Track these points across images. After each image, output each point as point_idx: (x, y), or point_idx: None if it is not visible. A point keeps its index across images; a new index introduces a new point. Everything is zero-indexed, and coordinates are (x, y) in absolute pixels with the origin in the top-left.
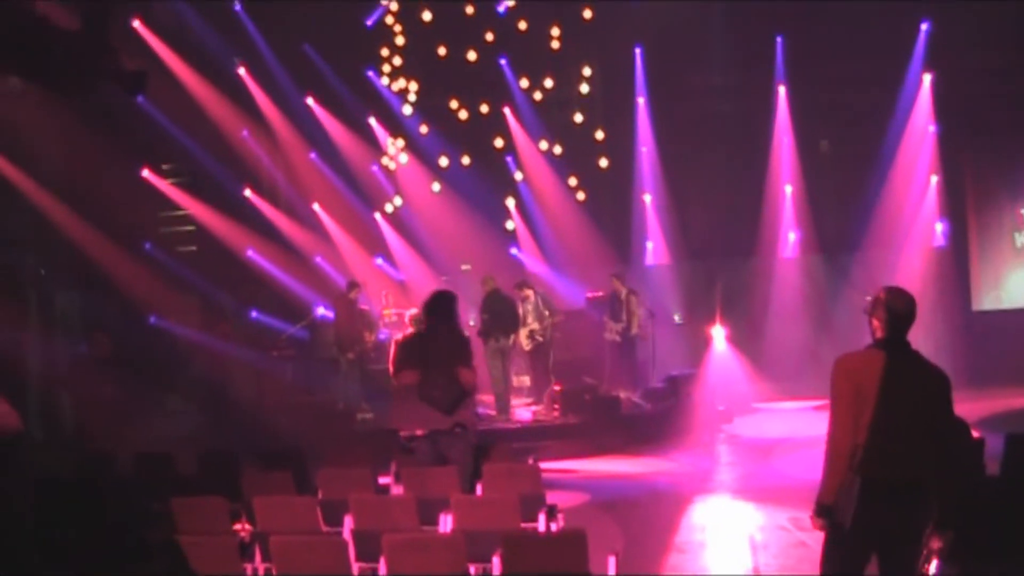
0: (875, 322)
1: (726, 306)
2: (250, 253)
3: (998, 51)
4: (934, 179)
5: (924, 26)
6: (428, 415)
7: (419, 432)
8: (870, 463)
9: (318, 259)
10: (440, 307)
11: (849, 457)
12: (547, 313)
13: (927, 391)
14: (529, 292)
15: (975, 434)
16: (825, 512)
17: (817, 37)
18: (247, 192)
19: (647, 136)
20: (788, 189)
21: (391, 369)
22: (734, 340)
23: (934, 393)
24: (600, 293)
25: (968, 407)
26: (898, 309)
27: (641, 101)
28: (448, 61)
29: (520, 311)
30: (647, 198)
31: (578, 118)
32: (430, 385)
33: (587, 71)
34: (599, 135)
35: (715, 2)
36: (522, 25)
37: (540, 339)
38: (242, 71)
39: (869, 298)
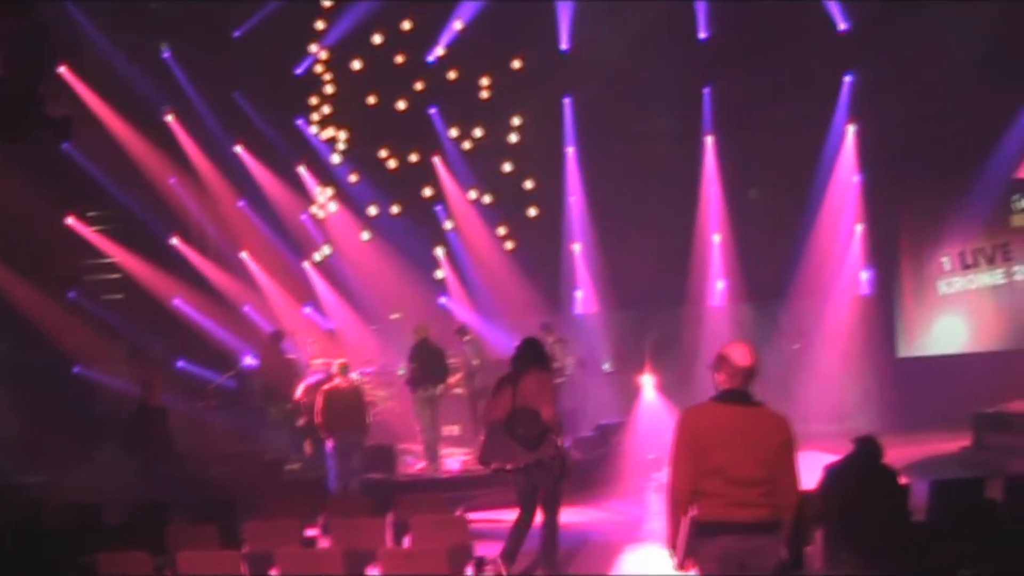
0: (719, 376)
1: (656, 355)
2: (177, 302)
3: (921, 102)
4: (859, 228)
5: (847, 78)
6: (514, 450)
7: (509, 467)
8: (710, 507)
9: (247, 308)
10: (530, 352)
11: (688, 504)
12: (476, 362)
13: (768, 439)
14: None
15: (902, 480)
16: (677, 558)
17: (745, 87)
18: (175, 240)
19: (576, 185)
20: (716, 238)
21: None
22: (664, 389)
23: (775, 440)
24: None
25: (895, 453)
26: (739, 364)
27: (570, 151)
28: (378, 110)
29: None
30: (576, 247)
31: (508, 167)
32: (515, 422)
33: (517, 121)
34: (529, 184)
35: (644, 52)
36: (452, 75)
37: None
38: (171, 118)
39: (796, 346)
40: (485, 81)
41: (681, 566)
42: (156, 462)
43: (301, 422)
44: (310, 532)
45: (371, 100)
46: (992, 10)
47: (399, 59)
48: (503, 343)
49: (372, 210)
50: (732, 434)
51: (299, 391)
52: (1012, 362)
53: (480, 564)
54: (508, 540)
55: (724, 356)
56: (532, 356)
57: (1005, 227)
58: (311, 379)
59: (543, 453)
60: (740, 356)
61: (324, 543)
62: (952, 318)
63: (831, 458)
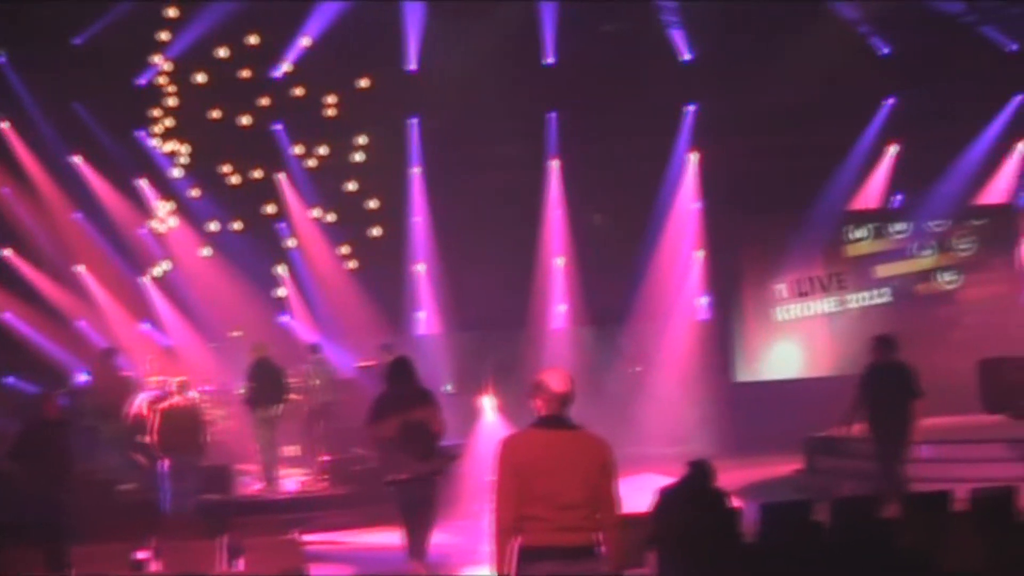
0: (536, 402)
1: (497, 377)
2: (8, 316)
3: (761, 135)
4: (699, 254)
5: (690, 107)
6: (408, 463)
7: (404, 477)
8: (535, 533)
9: (81, 323)
10: (408, 370)
11: (511, 530)
12: (315, 382)
13: (587, 462)
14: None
15: (734, 503)
16: None
17: (590, 113)
18: (7, 252)
19: (421, 206)
20: (559, 261)
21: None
22: (504, 411)
23: (595, 463)
24: (371, 362)
25: (730, 476)
26: (556, 390)
27: (416, 171)
28: (221, 125)
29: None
30: (419, 268)
31: (352, 186)
32: (408, 437)
33: (362, 140)
34: (373, 204)
35: (491, 76)
36: (298, 91)
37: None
38: (5, 126)
39: (636, 369)
40: (331, 99)
41: None
42: (53, 481)
43: (146, 438)
44: (141, 555)
45: (215, 114)
46: (829, 53)
47: (244, 74)
48: (344, 363)
49: (213, 226)
50: (551, 459)
51: (136, 406)
52: (844, 387)
53: None
54: (409, 545)
55: (541, 383)
56: (410, 373)
57: (839, 257)
58: (147, 395)
59: (437, 464)
60: (556, 382)
61: (155, 567)
62: (788, 344)
63: (669, 480)
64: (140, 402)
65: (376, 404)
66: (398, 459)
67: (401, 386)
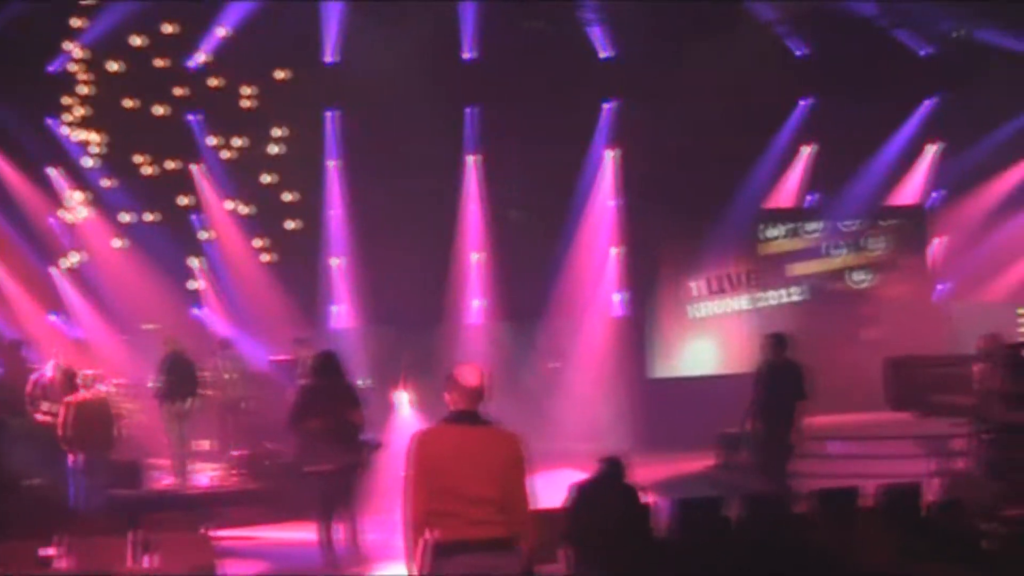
0: (449, 397)
1: (412, 371)
2: None
3: (678, 133)
4: (615, 251)
5: (608, 104)
6: (331, 454)
7: (325, 468)
8: (448, 528)
9: None
10: (334, 364)
11: (423, 524)
12: (228, 376)
13: (498, 457)
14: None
15: (649, 499)
16: None
17: (510, 109)
18: None
19: (338, 200)
20: (476, 257)
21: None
22: (419, 406)
23: (506, 458)
24: (285, 357)
25: (643, 472)
26: (467, 384)
27: (334, 164)
28: (136, 114)
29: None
30: (335, 262)
31: (268, 179)
32: (333, 429)
33: (280, 132)
34: (289, 197)
35: (410, 70)
36: (214, 82)
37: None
38: None
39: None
40: (248, 90)
41: None
42: None
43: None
44: (48, 552)
45: (129, 104)
46: (747, 52)
47: (160, 63)
48: (258, 357)
49: (126, 217)
50: (463, 454)
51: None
52: None
53: None
54: (322, 541)
55: (453, 377)
56: (336, 367)
57: (753, 255)
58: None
59: (358, 456)
60: (468, 377)
61: (61, 563)
62: (703, 341)
63: (584, 476)
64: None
65: (301, 396)
66: (320, 450)
67: (327, 379)
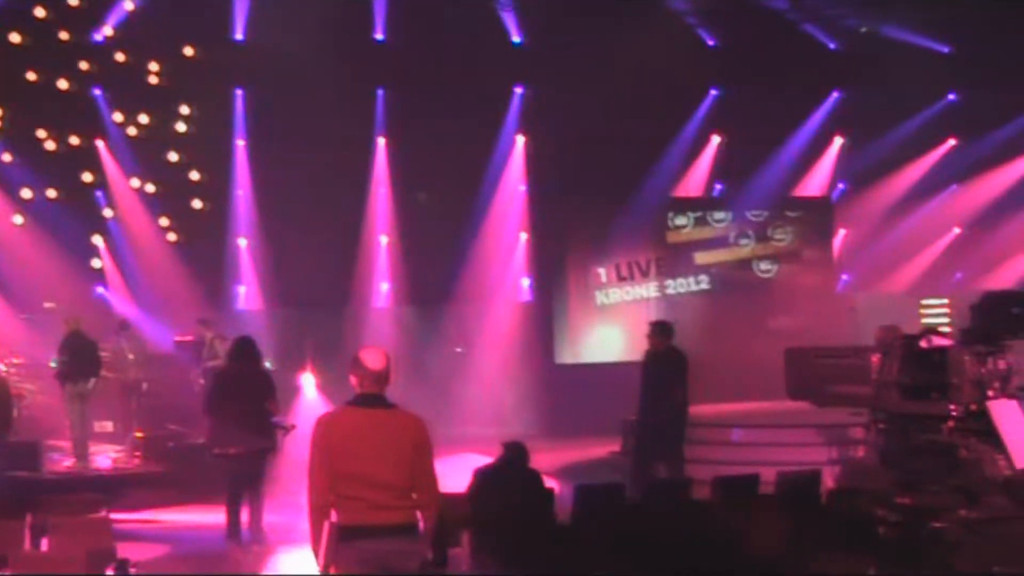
0: (353, 379)
1: (318, 354)
2: None
3: (588, 120)
4: (523, 236)
5: (519, 90)
6: (243, 437)
7: (232, 451)
8: (351, 511)
9: None
10: (252, 349)
11: (327, 507)
12: (131, 356)
13: (402, 441)
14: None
15: (552, 484)
16: (319, 562)
17: (420, 91)
18: None
19: (245, 180)
20: (384, 240)
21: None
22: (325, 389)
23: (410, 442)
24: (189, 337)
25: (547, 457)
26: (371, 367)
27: (241, 144)
28: (38, 88)
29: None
30: (242, 242)
31: (174, 157)
32: (248, 413)
33: (186, 110)
34: (195, 176)
35: (321, 50)
36: (120, 57)
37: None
38: None
39: (459, 350)
40: (154, 66)
41: (324, 570)
42: None
43: None
44: None
45: (31, 77)
46: (658, 41)
47: (63, 36)
48: (162, 337)
49: (26, 193)
50: (366, 438)
51: None
52: None
53: (122, 567)
54: (229, 524)
55: (357, 360)
56: (253, 353)
57: (661, 242)
58: None
59: (270, 440)
60: (372, 360)
61: None
62: (609, 328)
63: (487, 460)
64: None
65: (217, 381)
66: (232, 434)
67: (244, 365)
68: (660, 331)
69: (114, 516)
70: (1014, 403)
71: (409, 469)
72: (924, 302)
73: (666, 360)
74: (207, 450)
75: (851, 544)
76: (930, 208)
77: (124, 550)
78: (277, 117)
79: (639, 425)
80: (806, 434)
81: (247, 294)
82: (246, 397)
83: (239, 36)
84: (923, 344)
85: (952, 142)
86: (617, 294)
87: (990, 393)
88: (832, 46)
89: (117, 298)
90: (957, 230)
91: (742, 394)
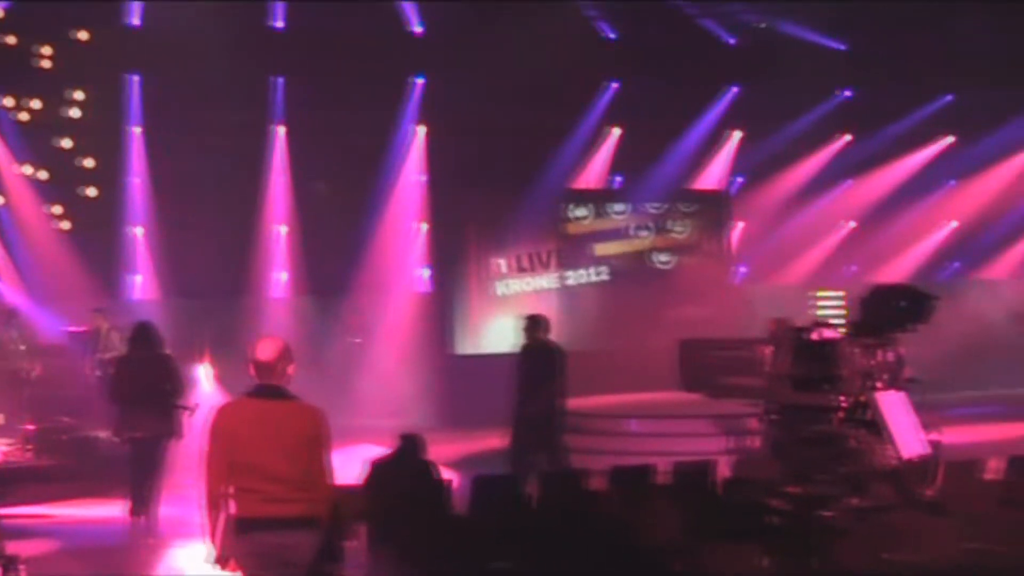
0: (251, 370)
1: (214, 345)
2: None
3: (488, 110)
4: (423, 227)
5: (418, 80)
6: (146, 422)
7: (139, 436)
8: (246, 503)
9: None
10: (151, 336)
11: (222, 499)
12: (22, 347)
13: (298, 433)
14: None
15: (448, 475)
16: (213, 555)
17: (318, 80)
18: None
19: (140, 167)
20: (282, 229)
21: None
22: (222, 379)
23: (305, 434)
24: (83, 328)
25: (445, 449)
26: (260, 358)
27: (135, 130)
28: None
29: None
30: (137, 231)
31: (66, 143)
32: (149, 398)
33: (79, 95)
34: (89, 163)
35: (218, 37)
36: (9, 40)
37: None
38: None
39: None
40: (45, 50)
41: (220, 563)
42: None
43: None
44: None
45: None
46: (557, 33)
47: None
48: (53, 327)
49: None
50: (261, 429)
51: None
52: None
53: (11, 564)
54: (133, 501)
55: (251, 351)
56: (151, 338)
57: (559, 234)
58: None
59: (173, 424)
60: (261, 351)
61: None
62: (508, 319)
63: (386, 451)
64: None
65: (118, 368)
66: (136, 418)
67: (143, 350)
68: (532, 324)
69: (3, 512)
70: (901, 395)
71: (304, 462)
72: (819, 294)
73: (540, 354)
74: (115, 437)
75: (744, 533)
76: (825, 202)
77: (14, 547)
78: (173, 104)
79: (514, 420)
80: (703, 425)
81: (142, 284)
82: (147, 382)
83: (134, 20)
84: (813, 337)
85: (847, 138)
86: (516, 285)
87: (878, 385)
88: (730, 41)
89: (7, 288)
90: (851, 224)
91: (640, 385)
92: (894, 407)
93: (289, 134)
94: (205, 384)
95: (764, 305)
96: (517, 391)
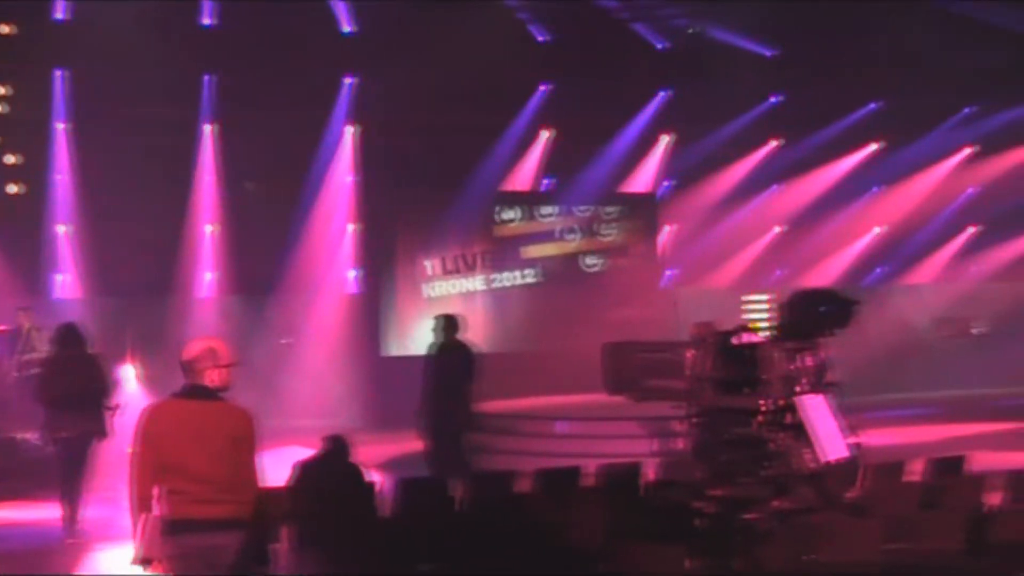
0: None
1: (139, 345)
2: None
3: (419, 111)
4: (352, 227)
5: (349, 80)
6: (72, 421)
7: (64, 435)
8: (174, 504)
9: None
10: (77, 335)
11: (148, 500)
12: None
13: (225, 434)
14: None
15: (375, 477)
16: (139, 556)
17: (248, 78)
18: None
19: (65, 164)
20: (209, 228)
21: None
22: (147, 380)
23: (233, 435)
24: (3, 327)
25: (373, 450)
26: (183, 357)
27: (60, 127)
28: None
29: None
30: (61, 229)
31: None
32: (76, 397)
33: (4, 90)
34: (11, 159)
35: (147, 33)
36: None
37: None
38: None
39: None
40: None
41: (145, 564)
42: None
43: None
44: None
45: None
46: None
47: None
48: None
49: None
50: (189, 429)
51: None
52: (491, 365)
53: None
54: (62, 502)
55: (181, 351)
56: (78, 337)
57: (489, 236)
58: None
59: (99, 424)
60: (186, 350)
61: None
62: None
63: (313, 453)
64: None
65: (45, 368)
66: (62, 419)
67: (69, 350)
68: (447, 324)
69: None
70: (821, 398)
71: (232, 463)
72: (746, 298)
73: (453, 354)
74: (40, 439)
75: (668, 535)
76: (753, 206)
77: None
78: (100, 100)
79: (427, 420)
80: (630, 426)
81: (66, 282)
82: (75, 382)
83: (60, 15)
84: (735, 340)
85: (775, 143)
86: (444, 287)
87: (798, 389)
88: (661, 45)
89: None
90: (779, 228)
91: (568, 387)
92: (816, 410)
93: (219, 132)
94: (130, 384)
95: (693, 308)
96: (429, 391)
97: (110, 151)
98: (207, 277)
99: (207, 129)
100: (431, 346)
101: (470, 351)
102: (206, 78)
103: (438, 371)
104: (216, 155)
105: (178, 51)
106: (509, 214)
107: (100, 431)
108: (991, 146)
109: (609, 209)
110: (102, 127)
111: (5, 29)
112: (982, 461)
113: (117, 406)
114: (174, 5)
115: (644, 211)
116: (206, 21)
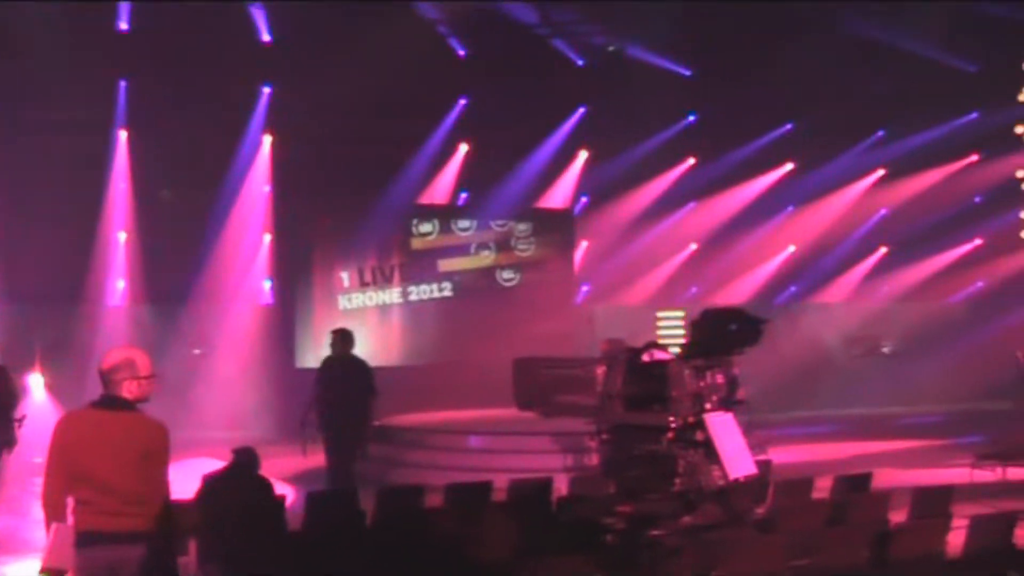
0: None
1: (47, 354)
2: None
3: (336, 123)
4: (267, 238)
5: (266, 89)
6: None
7: None
8: (83, 515)
9: None
10: None
11: (59, 511)
12: None
13: (136, 446)
14: None
15: (284, 491)
16: (48, 566)
17: (165, 85)
18: None
19: None
20: (122, 236)
21: None
22: (54, 389)
23: (143, 447)
24: None
25: (284, 463)
26: (100, 366)
27: None
28: None
29: None
30: None
31: None
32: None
33: None
34: None
35: (57, 37)
36: None
37: None
38: None
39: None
40: None
41: (47, 573)
42: None
43: None
44: None
45: None
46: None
47: None
48: None
49: None
50: (100, 440)
51: None
52: (406, 377)
53: None
54: None
55: (100, 360)
56: None
57: (405, 248)
58: None
59: (6, 435)
60: (105, 360)
61: None
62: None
63: (220, 466)
64: None
65: None
66: None
67: None
68: (342, 338)
69: None
70: (729, 416)
71: (141, 475)
72: (660, 314)
73: (352, 367)
74: None
75: (578, 550)
76: (669, 224)
77: None
78: (10, 102)
79: (324, 432)
80: (543, 442)
81: None
82: None
83: None
84: (645, 358)
85: (691, 161)
86: (360, 299)
87: (707, 406)
88: (579, 62)
89: None
90: (694, 246)
91: (482, 401)
92: (723, 428)
93: (133, 138)
94: (38, 393)
95: (608, 324)
96: (327, 405)
97: (19, 154)
98: (119, 285)
99: (122, 135)
100: (325, 359)
101: (365, 365)
102: (122, 83)
103: (330, 383)
104: (129, 161)
105: (91, 54)
106: (426, 227)
107: (6, 441)
108: (901, 169)
109: (524, 224)
110: (11, 129)
111: None
112: (887, 478)
113: (24, 416)
114: (87, 8)
115: (560, 226)
116: (120, 25)
